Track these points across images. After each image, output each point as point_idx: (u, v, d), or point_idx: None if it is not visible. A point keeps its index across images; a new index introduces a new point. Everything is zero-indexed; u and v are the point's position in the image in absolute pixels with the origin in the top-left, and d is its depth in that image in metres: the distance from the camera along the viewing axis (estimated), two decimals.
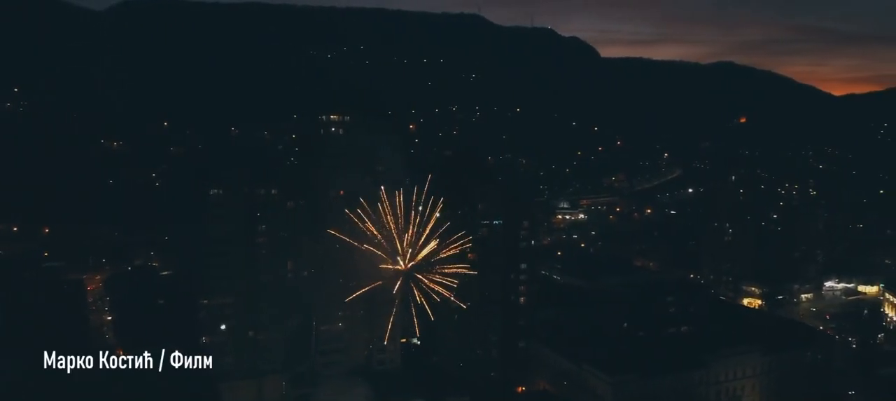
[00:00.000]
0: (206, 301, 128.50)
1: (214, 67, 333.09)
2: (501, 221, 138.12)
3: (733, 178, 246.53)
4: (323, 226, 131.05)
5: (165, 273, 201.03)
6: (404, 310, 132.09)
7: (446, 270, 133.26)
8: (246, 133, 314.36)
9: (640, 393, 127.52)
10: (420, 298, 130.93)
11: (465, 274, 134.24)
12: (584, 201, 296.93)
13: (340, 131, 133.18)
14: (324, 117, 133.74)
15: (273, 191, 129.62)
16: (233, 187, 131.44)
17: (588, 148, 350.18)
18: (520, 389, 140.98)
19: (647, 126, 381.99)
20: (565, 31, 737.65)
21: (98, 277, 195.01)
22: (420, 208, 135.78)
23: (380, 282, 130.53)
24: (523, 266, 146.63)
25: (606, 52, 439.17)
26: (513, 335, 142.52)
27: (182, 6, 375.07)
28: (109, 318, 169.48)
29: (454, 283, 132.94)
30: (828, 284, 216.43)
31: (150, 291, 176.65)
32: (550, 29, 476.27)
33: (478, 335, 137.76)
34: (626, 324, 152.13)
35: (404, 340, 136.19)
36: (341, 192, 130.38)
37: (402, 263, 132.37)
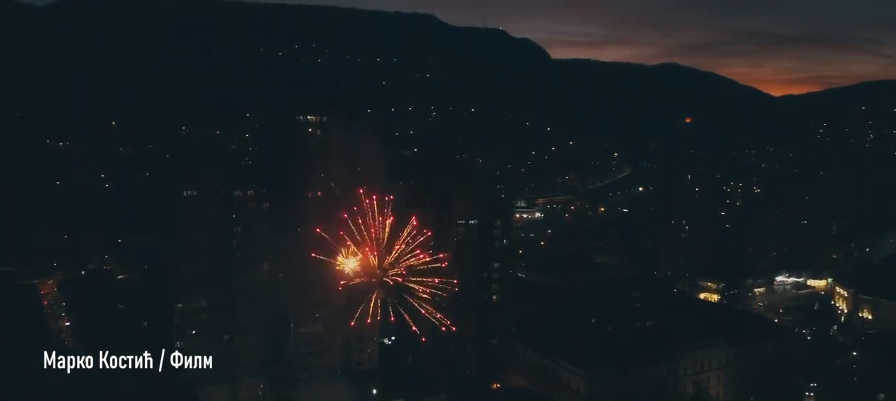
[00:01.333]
0: (180, 305, 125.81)
1: (161, 65, 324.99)
2: (477, 221, 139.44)
3: (689, 177, 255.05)
4: (300, 227, 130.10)
5: (122, 277, 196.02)
6: (382, 310, 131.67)
7: (424, 270, 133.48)
8: (197, 133, 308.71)
9: (614, 387, 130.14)
10: (398, 298, 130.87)
11: (442, 273, 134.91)
12: (540, 200, 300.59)
13: (318, 132, 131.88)
14: (301, 117, 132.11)
15: (248, 191, 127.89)
16: (205, 188, 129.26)
17: (542, 148, 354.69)
18: (495, 385, 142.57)
19: (596, 126, 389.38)
20: (516, 32, 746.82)
21: (51, 282, 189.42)
22: (394, 209, 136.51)
23: (358, 283, 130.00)
24: (496, 265, 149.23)
25: (555, 53, 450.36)
26: (487, 333, 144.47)
27: (126, 2, 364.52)
28: (68, 323, 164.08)
29: (432, 282, 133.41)
30: (779, 278, 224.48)
31: (111, 295, 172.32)
32: (502, 30, 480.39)
33: (453, 334, 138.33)
34: (594, 319, 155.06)
35: (382, 340, 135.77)
36: (319, 192, 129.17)
37: (380, 263, 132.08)
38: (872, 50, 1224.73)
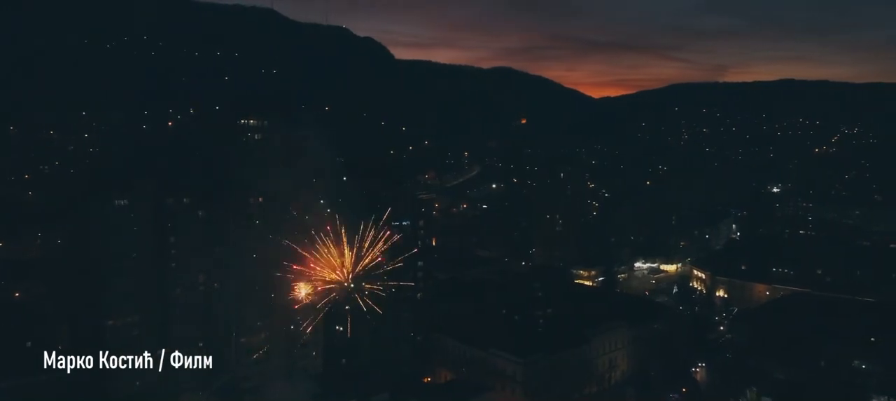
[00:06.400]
0: (111, 319, 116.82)
1: None
2: (410, 222, 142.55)
3: (537, 174, 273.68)
4: (235, 233, 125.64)
5: None
6: (323, 314, 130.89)
7: (362, 272, 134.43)
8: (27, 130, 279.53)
9: (546, 370, 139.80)
10: (340, 301, 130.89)
11: (378, 274, 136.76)
12: None
13: (257, 136, 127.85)
14: (243, 121, 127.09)
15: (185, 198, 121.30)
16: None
17: (399, 147, 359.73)
18: (426, 379, 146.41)
19: (443, 126, 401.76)
20: (360, 31, 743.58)
21: None
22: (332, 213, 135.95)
23: (299, 288, 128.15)
24: (421, 263, 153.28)
25: (396, 54, 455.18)
26: (417, 330, 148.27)
27: None
28: None
29: (372, 286, 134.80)
30: (637, 265, 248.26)
31: None
32: (346, 28, 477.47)
33: (389, 333, 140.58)
34: (510, 310, 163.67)
35: (324, 344, 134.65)
36: (260, 197, 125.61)
37: (319, 267, 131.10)
38: (674, 55, 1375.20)
